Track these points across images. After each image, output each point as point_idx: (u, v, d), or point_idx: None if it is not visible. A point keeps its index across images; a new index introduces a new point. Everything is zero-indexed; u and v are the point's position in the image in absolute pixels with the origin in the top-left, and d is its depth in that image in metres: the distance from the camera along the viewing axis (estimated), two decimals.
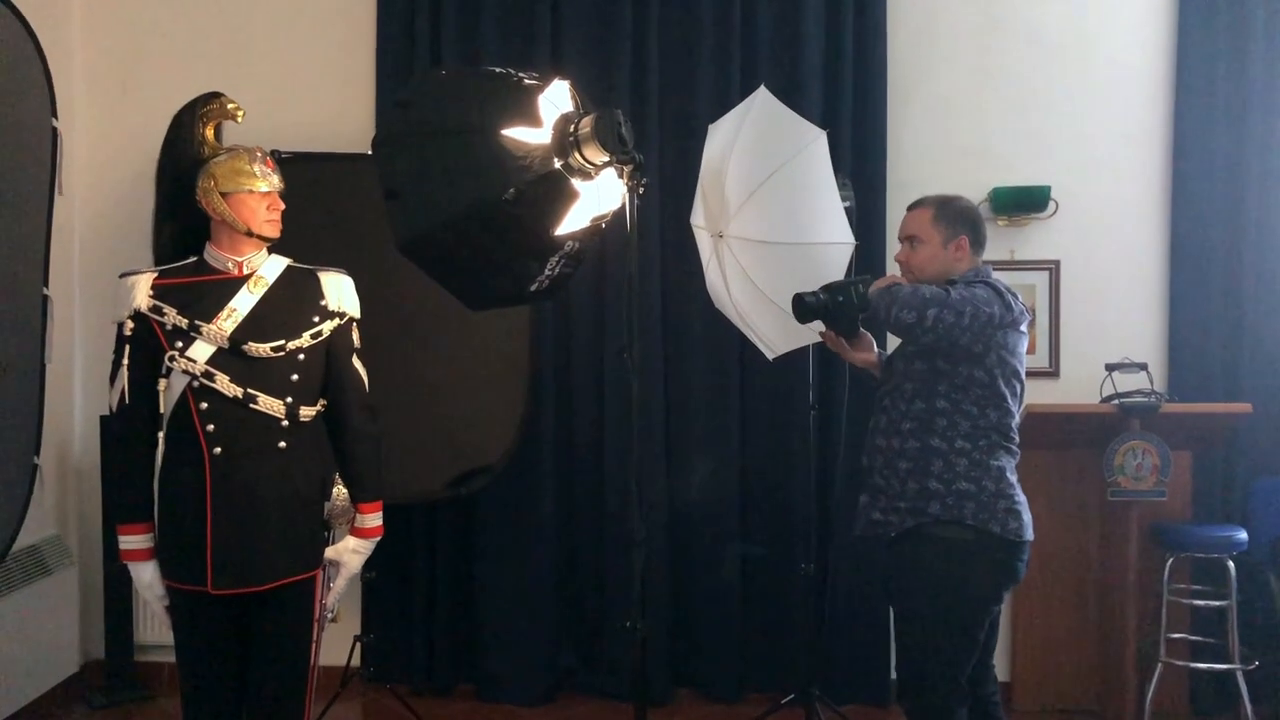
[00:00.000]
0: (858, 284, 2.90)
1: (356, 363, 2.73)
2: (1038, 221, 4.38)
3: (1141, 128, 4.39)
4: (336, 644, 4.08)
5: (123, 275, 2.58)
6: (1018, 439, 2.86)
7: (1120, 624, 4.10)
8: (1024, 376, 2.85)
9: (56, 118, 3.31)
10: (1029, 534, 2.79)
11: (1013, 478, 2.81)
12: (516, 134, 2.14)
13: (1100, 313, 4.37)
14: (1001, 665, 4.32)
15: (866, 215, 4.12)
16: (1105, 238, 4.39)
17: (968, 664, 2.82)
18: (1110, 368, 4.14)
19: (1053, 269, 4.38)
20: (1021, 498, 2.81)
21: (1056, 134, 4.39)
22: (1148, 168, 4.39)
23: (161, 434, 2.55)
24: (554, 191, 2.17)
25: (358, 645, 4.14)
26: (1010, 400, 2.79)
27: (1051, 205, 4.33)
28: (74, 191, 4.36)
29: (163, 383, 2.51)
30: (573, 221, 2.24)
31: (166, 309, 2.51)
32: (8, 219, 3.14)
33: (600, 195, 2.30)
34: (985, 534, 2.74)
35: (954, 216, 2.94)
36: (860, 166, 4.26)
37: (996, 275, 2.88)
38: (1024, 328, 2.83)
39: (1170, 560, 4.00)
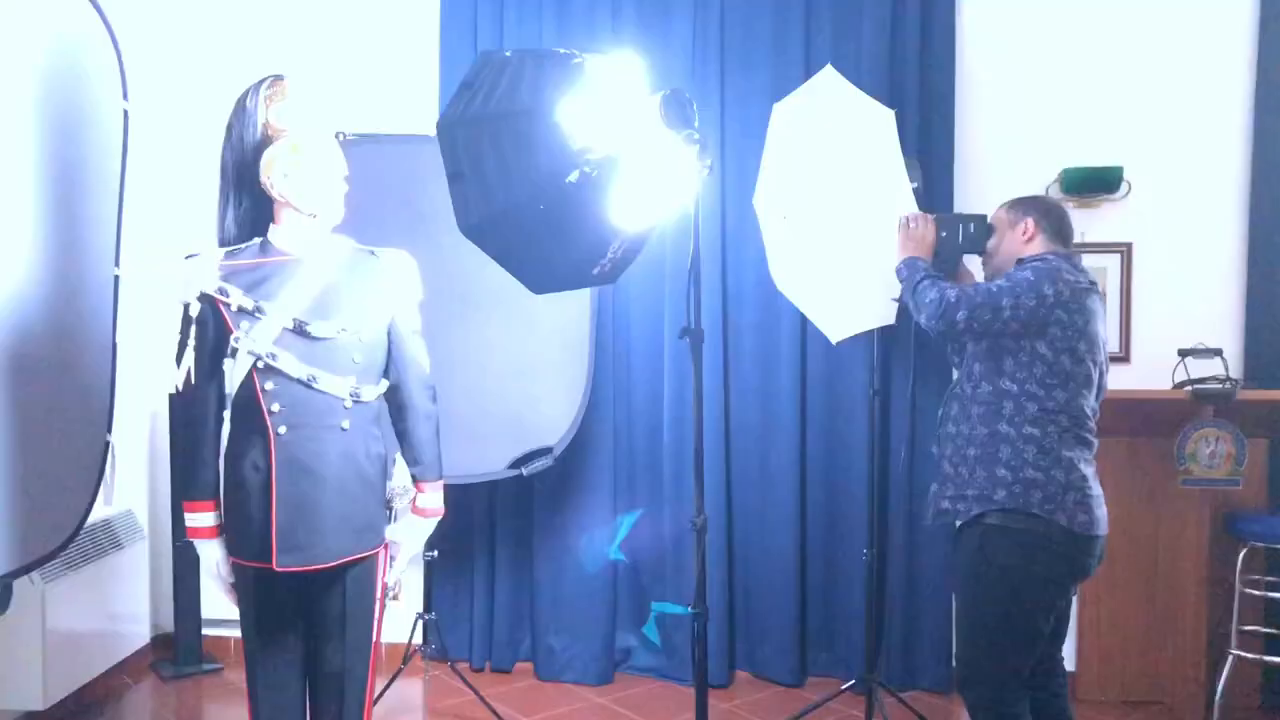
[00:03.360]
0: (969, 222, 2.93)
1: (418, 343, 2.73)
2: (1110, 203, 4.27)
3: (1219, 106, 4.26)
4: (399, 621, 4.13)
5: (188, 256, 2.60)
6: (1093, 424, 2.78)
7: (1190, 615, 4.01)
8: (1102, 359, 2.78)
9: (128, 99, 3.36)
10: (1100, 529, 2.72)
11: (1086, 469, 2.73)
12: (578, 115, 2.13)
13: (1173, 296, 4.26)
14: (1068, 655, 4.24)
15: (934, 196, 4.05)
16: (1180, 220, 4.27)
17: (1029, 657, 2.77)
18: (1183, 353, 4.03)
19: (1124, 252, 4.27)
20: (1095, 491, 2.73)
21: (1130, 113, 4.28)
22: (1225, 148, 4.26)
23: (227, 413, 2.58)
24: (616, 174, 2.15)
25: (420, 623, 4.18)
26: (1079, 381, 2.71)
27: (1124, 186, 4.23)
28: (144, 173, 4.43)
29: (228, 363, 2.54)
30: (635, 204, 2.22)
31: (231, 290, 2.53)
32: (81, 200, 3.20)
33: (664, 177, 2.27)
34: (1053, 526, 2.67)
35: (1023, 202, 2.93)
36: (928, 147, 4.19)
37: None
38: (1093, 304, 2.74)
39: (1244, 550, 3.90)
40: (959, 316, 2.70)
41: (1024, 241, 2.86)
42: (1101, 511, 2.73)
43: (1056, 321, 2.67)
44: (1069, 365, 2.70)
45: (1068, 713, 2.95)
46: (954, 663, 3.47)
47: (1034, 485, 2.69)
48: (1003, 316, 2.67)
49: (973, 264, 3.08)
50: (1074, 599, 2.92)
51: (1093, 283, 2.78)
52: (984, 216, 2.98)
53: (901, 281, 2.91)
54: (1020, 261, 2.82)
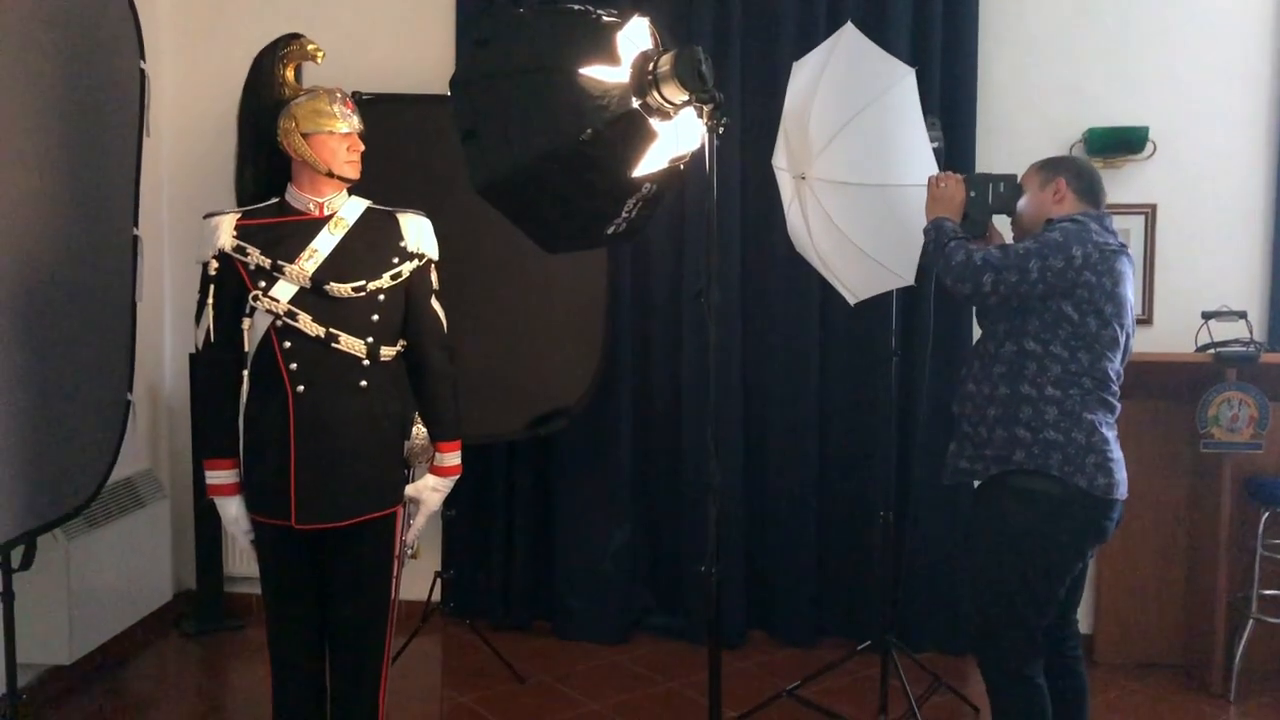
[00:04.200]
0: (999, 182, 2.91)
1: (435, 304, 2.74)
2: (1134, 164, 4.22)
3: (1245, 66, 4.19)
4: (418, 579, 4.18)
5: (207, 216, 2.61)
6: (1117, 388, 2.75)
7: (1210, 579, 3.99)
8: (1129, 323, 2.74)
9: (144, 59, 3.35)
10: (1120, 492, 2.69)
11: (1108, 433, 2.70)
12: (594, 73, 2.11)
13: (1197, 259, 4.21)
14: (1085, 618, 4.23)
15: (956, 156, 4.01)
16: (1204, 181, 4.21)
17: (1044, 619, 2.76)
18: (1207, 315, 3.99)
19: (1148, 213, 4.22)
20: (1116, 454, 2.70)
21: (1155, 73, 4.21)
22: (1251, 108, 4.20)
23: (246, 372, 2.60)
24: (632, 132, 2.13)
25: (438, 581, 4.22)
26: (1104, 343, 2.68)
27: (1149, 147, 4.17)
28: (161, 133, 4.43)
29: (247, 322, 2.55)
30: (651, 162, 2.20)
31: (250, 249, 2.54)
32: (99, 161, 3.20)
33: (679, 135, 2.25)
34: (1071, 488, 2.65)
35: (1055, 161, 2.89)
36: (950, 106, 4.14)
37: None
38: (1122, 267, 2.69)
39: (1266, 515, 3.88)
40: (985, 279, 2.66)
41: (1055, 202, 2.81)
42: (1122, 475, 2.71)
43: (1084, 284, 2.63)
44: (1095, 327, 2.66)
45: (1082, 674, 2.95)
46: (967, 623, 3.46)
47: (1053, 447, 2.67)
48: (1030, 279, 2.64)
49: (1002, 225, 3.05)
50: (1090, 561, 2.91)
51: (1123, 245, 2.74)
52: (1014, 176, 2.93)
53: (929, 243, 2.87)
54: (1049, 222, 2.78)
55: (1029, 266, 2.63)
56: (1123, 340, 2.74)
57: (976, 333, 3.86)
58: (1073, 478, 2.65)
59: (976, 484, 2.85)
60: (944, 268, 2.77)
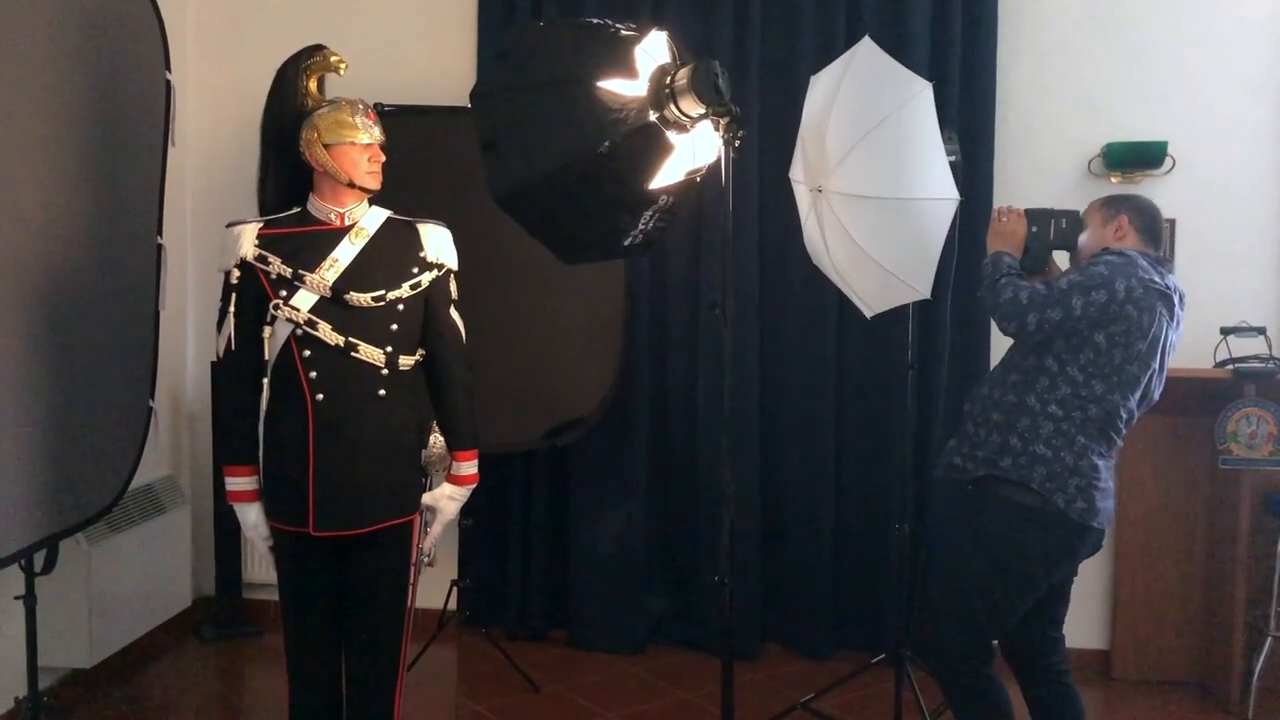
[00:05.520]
0: (1061, 217, 2.93)
1: (454, 314, 2.75)
2: (1152, 179, 4.21)
3: (1265, 81, 4.18)
4: (434, 588, 4.19)
5: (229, 225, 2.64)
6: (1122, 426, 2.74)
7: (1228, 596, 3.97)
8: (1156, 363, 2.73)
9: (170, 70, 3.40)
10: (1098, 521, 2.69)
11: (1099, 461, 2.70)
12: (612, 86, 2.13)
13: (1216, 274, 4.18)
14: (1100, 634, 4.25)
15: (974, 171, 4.02)
16: (1223, 196, 4.20)
17: (995, 628, 2.78)
18: (1225, 331, 3.97)
19: (1167, 228, 4.19)
20: (1105, 484, 2.71)
21: (1173, 88, 4.21)
22: (1271, 123, 4.18)
23: (266, 380, 2.62)
24: (649, 144, 2.15)
25: (454, 589, 4.23)
26: (1124, 379, 2.67)
27: (1168, 162, 4.16)
28: (185, 143, 4.48)
29: (267, 330, 2.57)
30: (667, 175, 2.22)
31: (271, 258, 2.56)
32: (123, 170, 3.25)
33: (696, 148, 2.27)
34: (1049, 505, 2.66)
35: (1117, 199, 2.92)
36: (968, 120, 4.15)
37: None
38: (1163, 308, 2.67)
39: None
40: (1030, 319, 2.68)
41: (1116, 239, 2.81)
42: (1105, 505, 2.71)
43: (1125, 317, 2.64)
44: (1119, 360, 2.66)
45: (1069, 684, 2.93)
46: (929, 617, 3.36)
47: (1040, 461, 2.68)
48: (1074, 315, 2.65)
49: (1062, 260, 3.07)
50: (1072, 579, 2.90)
51: (1168, 288, 2.72)
52: (1076, 213, 2.94)
53: (984, 277, 2.88)
54: (1102, 251, 2.79)
55: (1072, 303, 2.65)
56: (1145, 380, 2.72)
57: (994, 346, 3.88)
58: (1052, 495, 2.66)
59: (968, 485, 2.87)
60: (992, 304, 2.79)
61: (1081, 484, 2.67)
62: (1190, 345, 4.07)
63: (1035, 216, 2.94)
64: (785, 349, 4.33)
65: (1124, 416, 2.73)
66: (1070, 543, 2.72)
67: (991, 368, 3.00)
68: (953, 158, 3.22)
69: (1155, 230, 2.84)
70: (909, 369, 3.78)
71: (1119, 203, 2.89)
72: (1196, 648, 4.15)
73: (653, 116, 2.15)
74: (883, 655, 3.91)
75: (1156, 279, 2.70)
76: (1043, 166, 4.26)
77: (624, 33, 2.19)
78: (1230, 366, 3.88)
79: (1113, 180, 4.19)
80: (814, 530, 4.32)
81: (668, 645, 4.49)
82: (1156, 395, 2.82)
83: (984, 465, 2.78)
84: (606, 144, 2.08)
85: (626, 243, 2.34)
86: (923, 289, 3.21)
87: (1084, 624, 4.06)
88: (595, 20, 2.26)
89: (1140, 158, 4.15)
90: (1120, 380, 2.68)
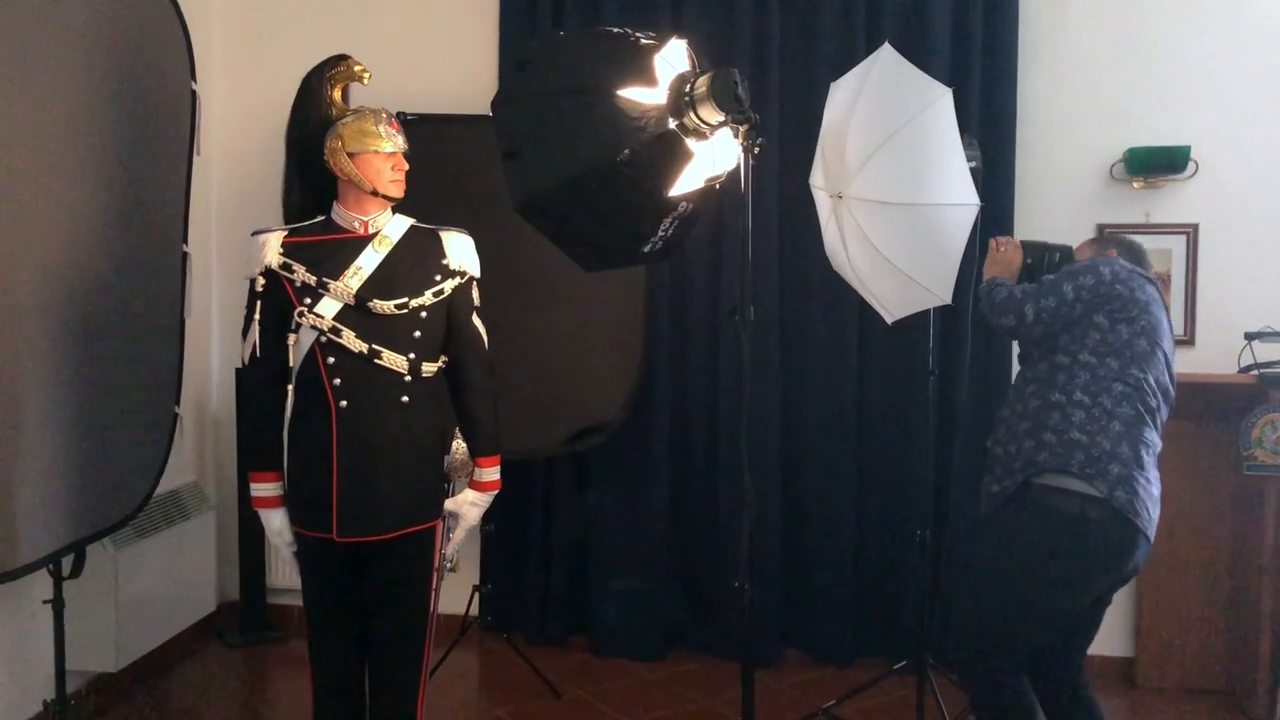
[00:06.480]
0: (1054, 251, 3.07)
1: (476, 321, 2.78)
2: (1175, 183, 4.19)
3: None
4: (456, 593, 4.21)
5: (254, 233, 2.67)
6: (1158, 398, 2.72)
7: (1255, 604, 3.94)
8: (1164, 343, 2.76)
9: (195, 80, 3.44)
10: (1141, 516, 2.62)
11: (1142, 452, 2.65)
12: (632, 94, 2.14)
13: (1240, 279, 4.17)
14: (1125, 642, 4.23)
15: (995, 177, 4.01)
16: (1247, 201, 4.17)
17: (1035, 638, 2.72)
18: (1250, 336, 3.95)
19: (1190, 233, 4.19)
20: (1146, 483, 2.65)
21: (1196, 92, 4.19)
22: None
23: (291, 387, 2.65)
24: (668, 152, 2.16)
25: (476, 595, 4.26)
26: (1136, 352, 2.69)
27: (1191, 166, 4.14)
28: (211, 152, 4.52)
29: (292, 337, 2.60)
30: (687, 182, 2.23)
31: (296, 266, 2.59)
32: (150, 178, 3.29)
33: (715, 155, 2.28)
34: (1090, 499, 2.60)
35: (1105, 238, 3.08)
36: (989, 126, 4.15)
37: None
38: (1150, 289, 2.76)
39: None
40: (1027, 310, 2.77)
41: None
42: (1150, 511, 2.64)
43: (1116, 295, 2.71)
44: (1126, 335, 2.70)
45: (1093, 699, 2.90)
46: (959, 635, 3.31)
47: (1076, 446, 2.64)
48: (1067, 300, 2.73)
49: None
50: (1106, 604, 2.86)
51: (1150, 280, 2.83)
52: (1070, 248, 3.08)
53: (980, 299, 2.97)
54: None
55: (1064, 289, 2.74)
56: (1160, 356, 2.73)
57: (1015, 351, 3.86)
58: (1093, 481, 2.61)
59: (1008, 507, 2.83)
60: (989, 306, 2.89)
61: (1122, 473, 2.61)
62: (1214, 351, 4.10)
63: (1031, 248, 3.07)
64: (805, 356, 4.33)
65: (1152, 388, 2.70)
66: (1113, 542, 2.62)
67: (1013, 378, 3.01)
68: (973, 163, 3.22)
69: (1142, 265, 2.93)
70: (930, 374, 3.77)
71: (1108, 239, 3.04)
72: (1222, 655, 4.13)
73: (672, 124, 2.15)
74: (904, 662, 3.90)
75: (1139, 269, 2.82)
76: (1064, 172, 4.25)
77: (644, 41, 2.20)
78: (1255, 372, 3.85)
79: (1135, 185, 4.18)
80: (834, 536, 4.32)
81: (688, 652, 4.48)
82: (1172, 389, 2.81)
83: (1022, 472, 2.73)
84: (626, 151, 2.09)
85: (646, 249, 2.34)
86: (943, 294, 3.21)
87: (1108, 631, 3.98)
88: (615, 30, 2.27)
89: (1162, 163, 4.14)
90: (1133, 355, 2.70)
